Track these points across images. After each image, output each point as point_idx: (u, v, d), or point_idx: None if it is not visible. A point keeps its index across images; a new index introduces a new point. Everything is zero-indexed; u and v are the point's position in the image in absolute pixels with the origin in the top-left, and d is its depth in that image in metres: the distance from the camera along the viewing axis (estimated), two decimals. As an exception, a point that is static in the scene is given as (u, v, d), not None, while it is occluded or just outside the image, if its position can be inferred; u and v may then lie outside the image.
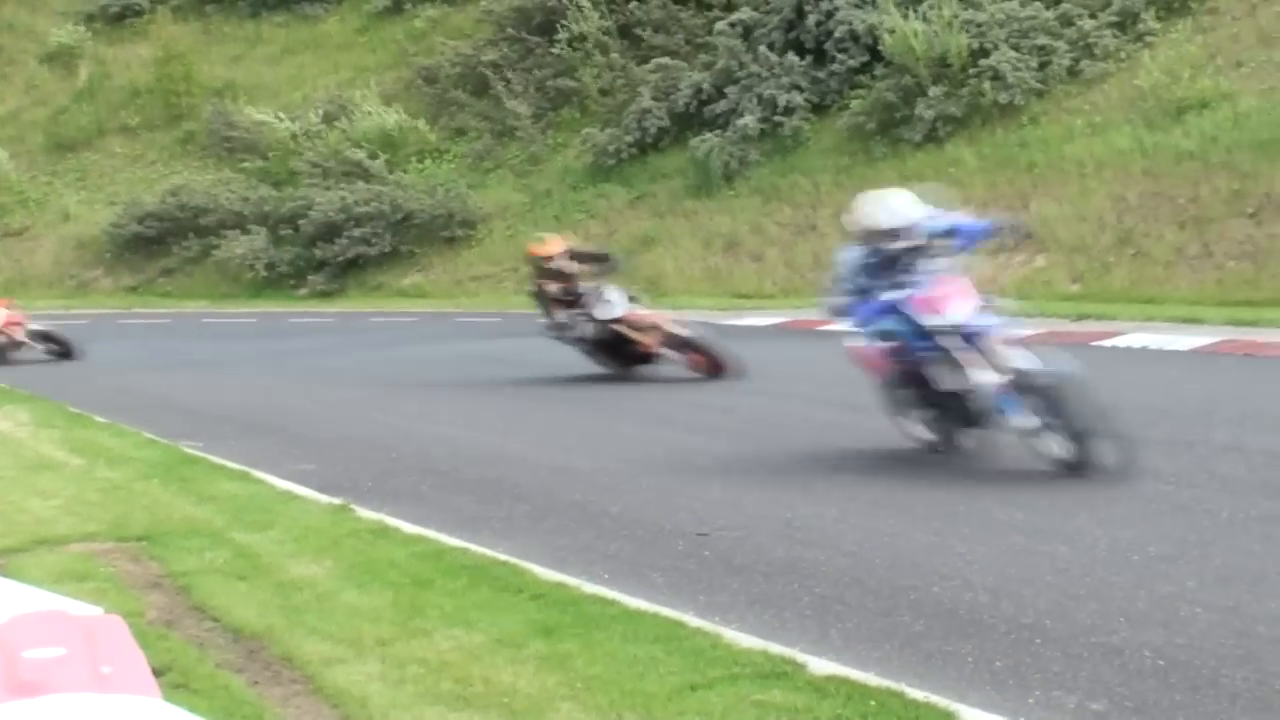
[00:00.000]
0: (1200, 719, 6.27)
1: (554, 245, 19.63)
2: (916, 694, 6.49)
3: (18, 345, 26.05)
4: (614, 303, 18.71)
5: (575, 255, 19.50)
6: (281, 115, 44.35)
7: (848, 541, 9.61)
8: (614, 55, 39.95)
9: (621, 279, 19.73)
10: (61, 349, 26.32)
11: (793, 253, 31.25)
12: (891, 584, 8.54)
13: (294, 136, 43.54)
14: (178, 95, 48.32)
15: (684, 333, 18.66)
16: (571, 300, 19.01)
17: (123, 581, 9.22)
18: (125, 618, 4.10)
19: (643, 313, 19.01)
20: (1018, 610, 7.86)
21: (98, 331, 30.08)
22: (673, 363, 18.58)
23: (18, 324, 26.34)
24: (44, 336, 26.50)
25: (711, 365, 18.32)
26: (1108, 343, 19.95)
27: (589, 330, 18.88)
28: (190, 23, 51.25)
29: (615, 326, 18.69)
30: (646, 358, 18.85)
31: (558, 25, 40.49)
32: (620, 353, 18.99)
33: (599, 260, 19.75)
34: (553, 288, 19.20)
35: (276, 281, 40.17)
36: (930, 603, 8.14)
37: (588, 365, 19.17)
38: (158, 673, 5.92)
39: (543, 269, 19.43)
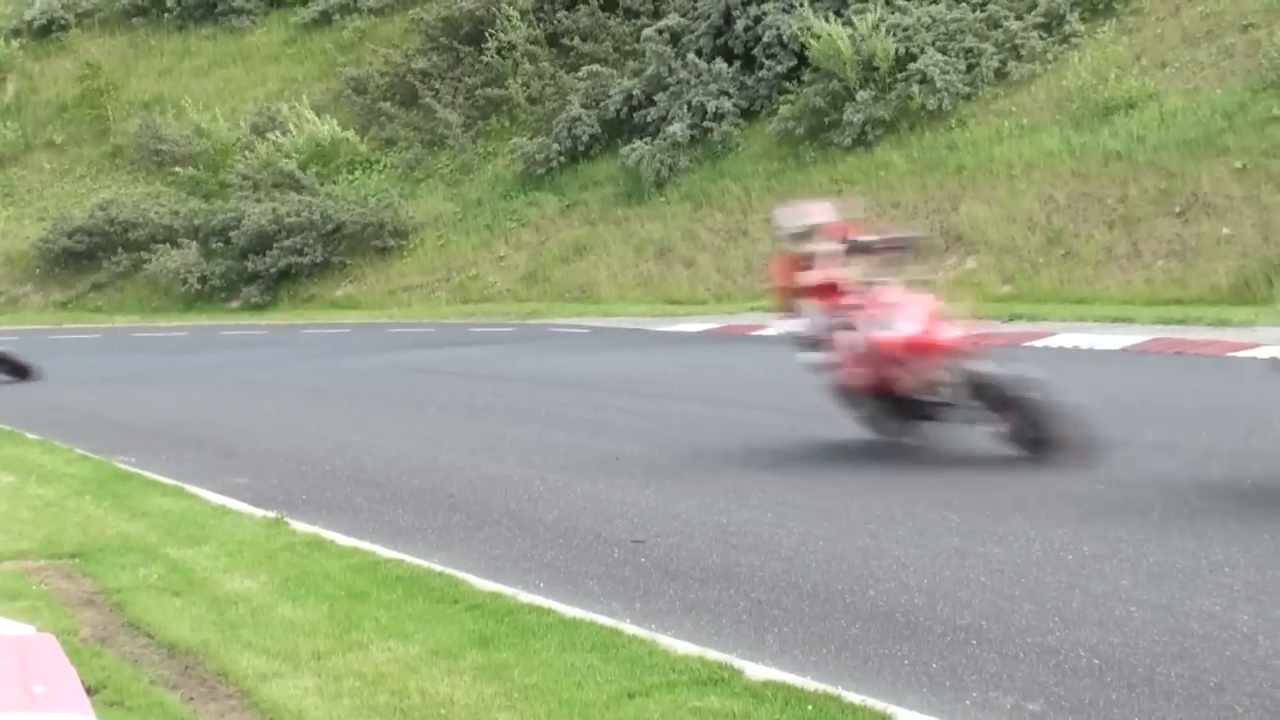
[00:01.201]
0: (1136, 717, 6.31)
1: None
2: (853, 697, 6.51)
3: None
4: None
5: None
6: (215, 122, 44.23)
7: (783, 546, 9.62)
8: (543, 64, 39.93)
9: None
10: None
11: (724, 258, 31.29)
12: (827, 588, 8.56)
13: (227, 147, 43.39)
14: (100, 109, 47.98)
15: None
16: None
17: (56, 599, 9.15)
18: (58, 636, 4.07)
19: None
20: (953, 612, 7.89)
21: (28, 348, 29.82)
22: None
23: None
24: None
25: None
26: (1039, 343, 20.10)
27: None
28: (117, 36, 50.87)
29: None
30: None
31: (486, 34, 40.44)
32: None
33: None
34: None
35: (209, 295, 39.95)
36: (866, 606, 8.15)
37: (519, 374, 18.91)
38: (91, 691, 5.88)
39: None
